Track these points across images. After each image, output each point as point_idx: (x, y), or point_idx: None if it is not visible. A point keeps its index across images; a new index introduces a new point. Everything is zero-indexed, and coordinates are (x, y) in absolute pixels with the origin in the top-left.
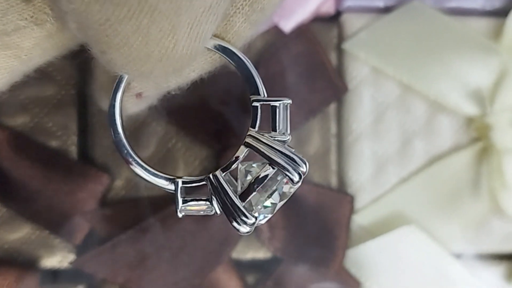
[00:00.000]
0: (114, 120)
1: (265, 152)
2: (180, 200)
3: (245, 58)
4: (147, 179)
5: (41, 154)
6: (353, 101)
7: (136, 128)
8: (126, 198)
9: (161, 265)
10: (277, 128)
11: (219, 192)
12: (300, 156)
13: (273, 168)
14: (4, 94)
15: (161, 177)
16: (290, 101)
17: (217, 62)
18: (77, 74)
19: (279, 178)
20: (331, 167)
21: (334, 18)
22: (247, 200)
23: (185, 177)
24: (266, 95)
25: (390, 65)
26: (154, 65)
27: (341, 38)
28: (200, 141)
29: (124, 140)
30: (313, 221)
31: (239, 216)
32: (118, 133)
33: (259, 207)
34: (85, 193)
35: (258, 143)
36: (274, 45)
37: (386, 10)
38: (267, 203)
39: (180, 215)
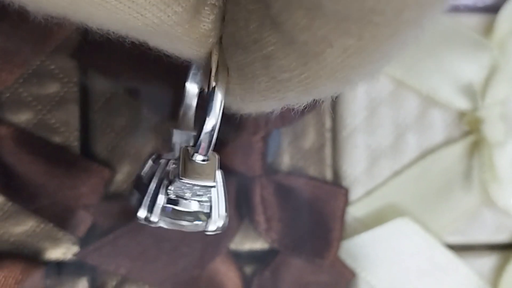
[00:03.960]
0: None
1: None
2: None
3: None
4: None
5: (44, 150)
6: (347, 96)
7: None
8: (127, 192)
9: (161, 256)
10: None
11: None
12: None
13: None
14: (7, 92)
15: None
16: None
17: None
18: (79, 72)
19: None
20: (326, 161)
21: None
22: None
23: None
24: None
25: None
26: None
27: None
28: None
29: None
30: (309, 213)
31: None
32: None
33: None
34: (87, 187)
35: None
36: None
37: None
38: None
39: None
